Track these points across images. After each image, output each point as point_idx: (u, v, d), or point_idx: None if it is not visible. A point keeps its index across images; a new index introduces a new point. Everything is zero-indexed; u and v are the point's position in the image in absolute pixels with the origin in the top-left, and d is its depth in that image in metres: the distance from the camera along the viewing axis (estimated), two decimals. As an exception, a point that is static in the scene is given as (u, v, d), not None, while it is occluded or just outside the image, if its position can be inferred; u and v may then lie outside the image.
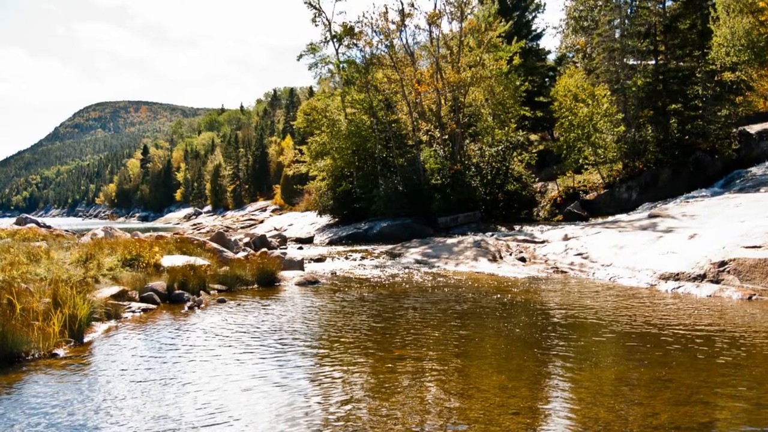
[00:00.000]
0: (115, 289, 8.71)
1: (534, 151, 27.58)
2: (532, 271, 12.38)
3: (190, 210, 78.81)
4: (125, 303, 8.38)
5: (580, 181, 25.22)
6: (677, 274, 9.94)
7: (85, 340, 6.58)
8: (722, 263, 9.51)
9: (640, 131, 23.76)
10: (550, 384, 4.93)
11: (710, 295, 8.83)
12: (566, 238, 15.12)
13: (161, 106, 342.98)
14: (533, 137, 31.60)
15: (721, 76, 22.04)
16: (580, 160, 24.48)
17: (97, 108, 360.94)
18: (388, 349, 6.04)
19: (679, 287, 9.50)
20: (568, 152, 24.25)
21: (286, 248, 19.86)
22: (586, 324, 7.11)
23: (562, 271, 12.22)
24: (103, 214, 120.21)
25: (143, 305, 8.51)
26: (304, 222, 32.16)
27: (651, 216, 15.50)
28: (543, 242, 15.77)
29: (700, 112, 22.86)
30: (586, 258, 12.68)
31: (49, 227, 19.13)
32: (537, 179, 27.18)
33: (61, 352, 6.06)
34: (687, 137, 22.66)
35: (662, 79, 23.15)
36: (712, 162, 22.34)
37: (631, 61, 25.01)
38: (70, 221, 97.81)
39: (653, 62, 24.14)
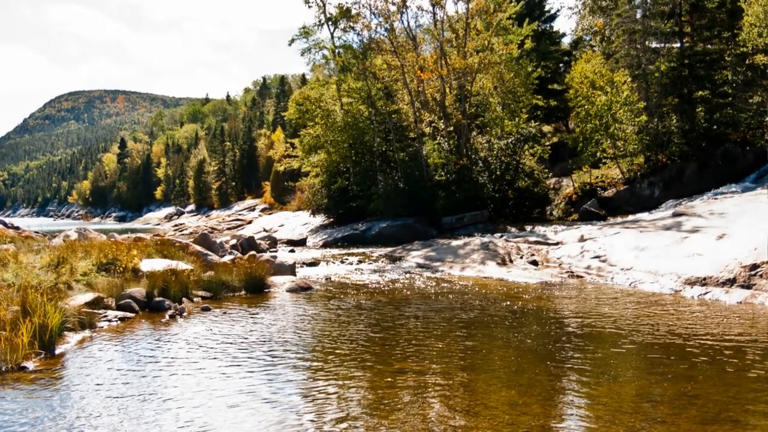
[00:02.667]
0: (89, 296, 8.72)
1: (547, 143, 27.44)
2: (544, 275, 12.39)
3: (171, 209, 78.68)
4: (101, 311, 8.39)
5: (597, 177, 25.15)
6: (704, 279, 9.94)
7: (57, 351, 6.59)
8: (754, 266, 9.50)
9: (664, 121, 23.61)
10: (565, 400, 4.94)
11: (741, 302, 8.83)
12: (582, 239, 15.12)
13: (140, 96, 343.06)
14: (546, 129, 31.51)
15: (753, 59, 21.56)
16: (598, 154, 24.33)
17: (70, 98, 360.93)
18: (387, 361, 6.05)
19: (707, 293, 9.50)
20: (584, 145, 24.13)
21: (276, 251, 19.88)
22: (604, 334, 7.12)
23: (578, 276, 12.23)
24: (76, 214, 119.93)
25: (120, 314, 8.52)
26: (296, 222, 32.18)
27: (675, 214, 15.51)
28: (557, 244, 15.78)
29: (730, 99, 22.58)
30: (604, 261, 12.69)
31: (17, 228, 19.11)
32: (550, 174, 27.09)
33: (30, 365, 6.06)
34: (715, 127, 22.41)
35: (688, 64, 22.92)
36: (742, 154, 22.10)
37: (654, 44, 24.67)
38: (41, 222, 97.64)
39: (678, 45, 23.84)
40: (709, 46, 23.22)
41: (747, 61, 22.16)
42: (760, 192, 16.69)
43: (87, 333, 7.47)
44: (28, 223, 66.80)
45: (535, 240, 16.72)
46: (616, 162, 24.48)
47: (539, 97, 27.10)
